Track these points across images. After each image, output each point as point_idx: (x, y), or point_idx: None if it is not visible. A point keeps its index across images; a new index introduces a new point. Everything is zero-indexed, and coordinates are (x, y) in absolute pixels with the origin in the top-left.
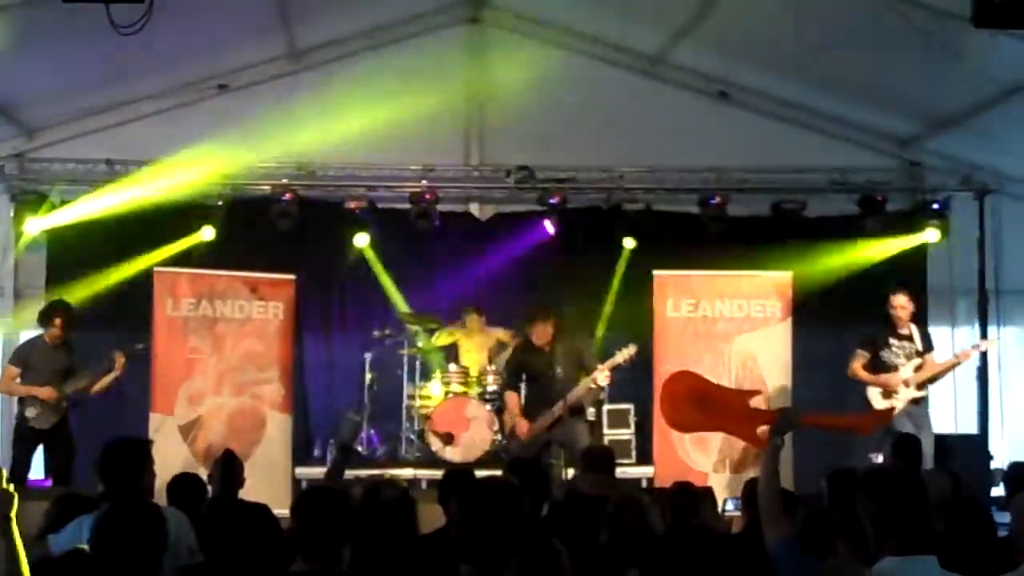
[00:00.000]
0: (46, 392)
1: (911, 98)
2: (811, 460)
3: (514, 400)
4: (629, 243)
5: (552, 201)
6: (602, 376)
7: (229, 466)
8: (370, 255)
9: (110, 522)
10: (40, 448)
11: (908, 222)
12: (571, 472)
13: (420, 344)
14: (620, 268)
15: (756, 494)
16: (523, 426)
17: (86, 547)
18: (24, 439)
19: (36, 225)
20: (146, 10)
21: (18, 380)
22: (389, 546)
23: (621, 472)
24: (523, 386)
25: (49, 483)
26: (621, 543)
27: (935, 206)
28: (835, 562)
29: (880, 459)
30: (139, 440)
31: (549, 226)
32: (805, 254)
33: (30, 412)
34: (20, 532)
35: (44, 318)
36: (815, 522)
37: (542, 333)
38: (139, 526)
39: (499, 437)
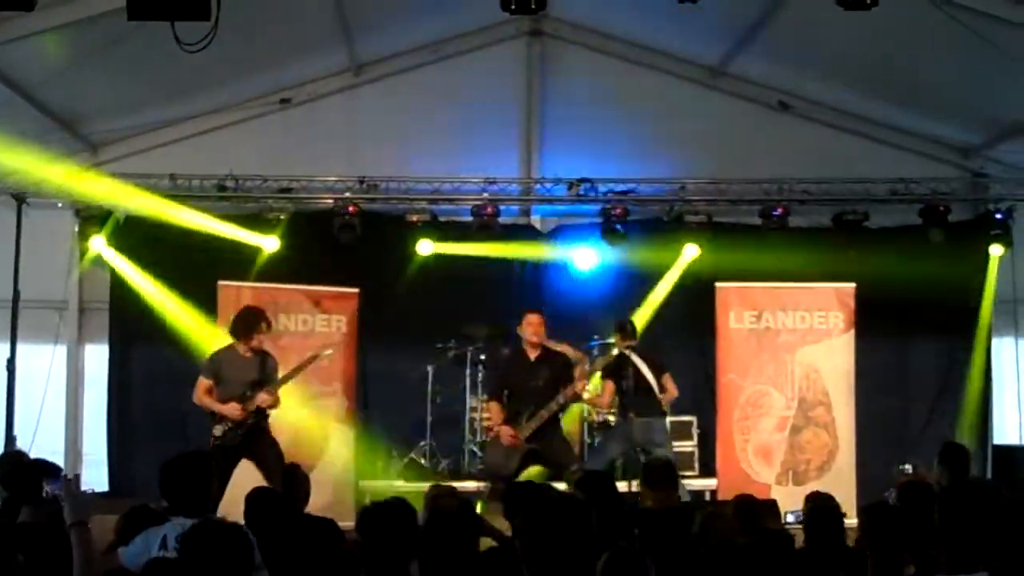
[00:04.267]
0: (229, 410)
1: (972, 107)
2: (875, 471)
3: (496, 410)
4: (690, 252)
5: (614, 213)
6: (580, 386)
7: (291, 480)
8: (432, 267)
9: (197, 541)
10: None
11: (971, 232)
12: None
13: (487, 357)
14: (675, 276)
15: (819, 509)
16: (508, 432)
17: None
18: (216, 459)
19: (100, 243)
20: (211, 28)
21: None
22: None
23: (684, 484)
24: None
25: None
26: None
27: (998, 216)
28: None
29: (910, 469)
30: (200, 454)
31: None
32: (868, 265)
33: (217, 430)
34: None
35: (246, 328)
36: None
37: (536, 331)
38: (228, 548)
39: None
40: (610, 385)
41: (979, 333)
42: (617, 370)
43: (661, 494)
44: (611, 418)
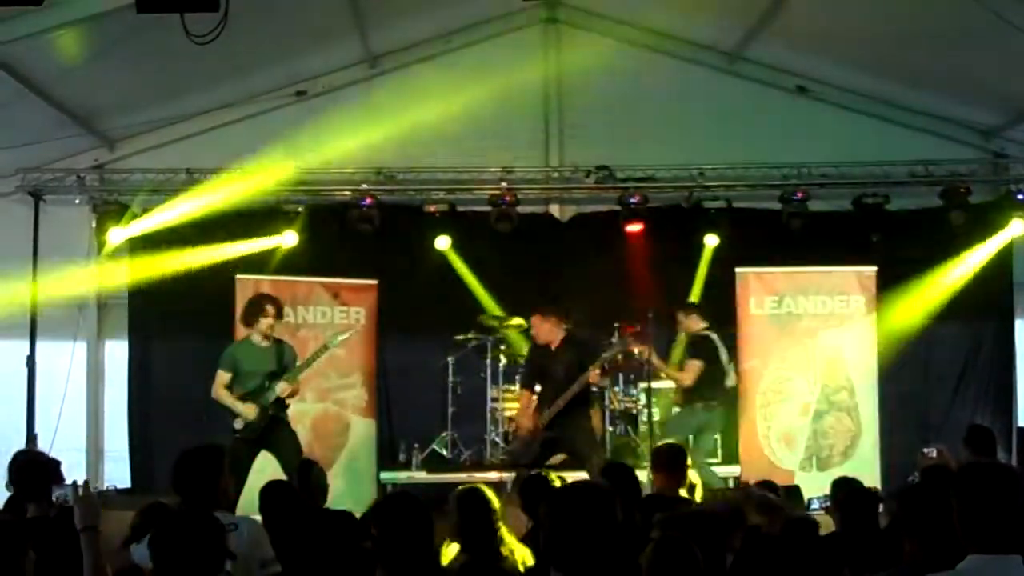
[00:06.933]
0: (245, 410)
1: (992, 88)
2: (898, 455)
3: (527, 400)
4: (711, 241)
5: (632, 200)
6: (593, 374)
7: (306, 475)
8: (451, 258)
9: (166, 534)
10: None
11: (993, 213)
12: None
13: (506, 347)
14: (702, 267)
15: (847, 495)
16: (522, 423)
17: None
18: (234, 452)
19: (118, 235)
20: (221, 19)
21: (228, 386)
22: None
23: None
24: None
25: None
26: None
27: (1020, 196)
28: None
29: (934, 453)
30: (212, 447)
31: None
32: (888, 248)
33: (238, 423)
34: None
35: (251, 314)
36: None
37: (537, 331)
38: (195, 538)
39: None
40: (698, 364)
41: (1001, 314)
42: (708, 351)
43: (668, 477)
44: (631, 406)
